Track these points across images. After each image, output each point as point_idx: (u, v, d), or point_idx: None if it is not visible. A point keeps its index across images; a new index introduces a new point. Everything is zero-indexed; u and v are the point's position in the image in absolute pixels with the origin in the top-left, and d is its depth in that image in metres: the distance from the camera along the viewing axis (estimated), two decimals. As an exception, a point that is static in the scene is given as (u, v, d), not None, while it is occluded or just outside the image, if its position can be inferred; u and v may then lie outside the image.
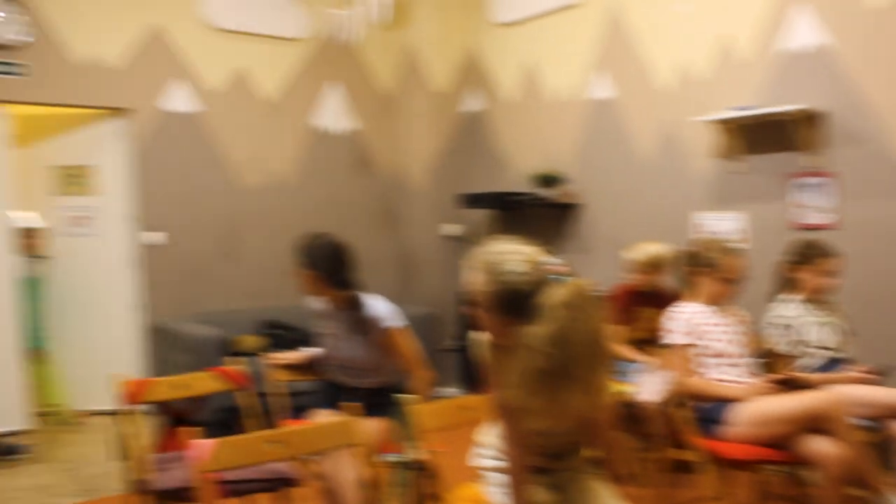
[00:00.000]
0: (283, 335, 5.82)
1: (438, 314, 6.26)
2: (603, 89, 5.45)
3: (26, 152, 5.94)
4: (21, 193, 5.82)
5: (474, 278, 1.91)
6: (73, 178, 5.85)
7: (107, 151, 5.80)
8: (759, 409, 2.99)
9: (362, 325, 3.23)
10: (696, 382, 3.18)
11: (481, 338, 2.02)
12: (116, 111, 5.72)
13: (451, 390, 6.10)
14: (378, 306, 3.28)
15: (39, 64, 5.34)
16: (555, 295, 1.79)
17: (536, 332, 1.78)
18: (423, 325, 5.38)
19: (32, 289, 5.52)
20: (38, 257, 5.58)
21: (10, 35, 5.21)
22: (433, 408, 2.49)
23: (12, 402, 5.32)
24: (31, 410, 5.46)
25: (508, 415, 2.01)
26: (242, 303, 6.11)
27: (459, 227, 6.45)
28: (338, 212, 6.51)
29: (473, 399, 2.59)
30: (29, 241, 5.51)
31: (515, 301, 1.84)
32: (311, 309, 3.45)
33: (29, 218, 5.58)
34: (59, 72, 5.42)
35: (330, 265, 3.25)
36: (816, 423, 2.87)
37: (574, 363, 1.79)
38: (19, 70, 5.27)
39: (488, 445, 2.24)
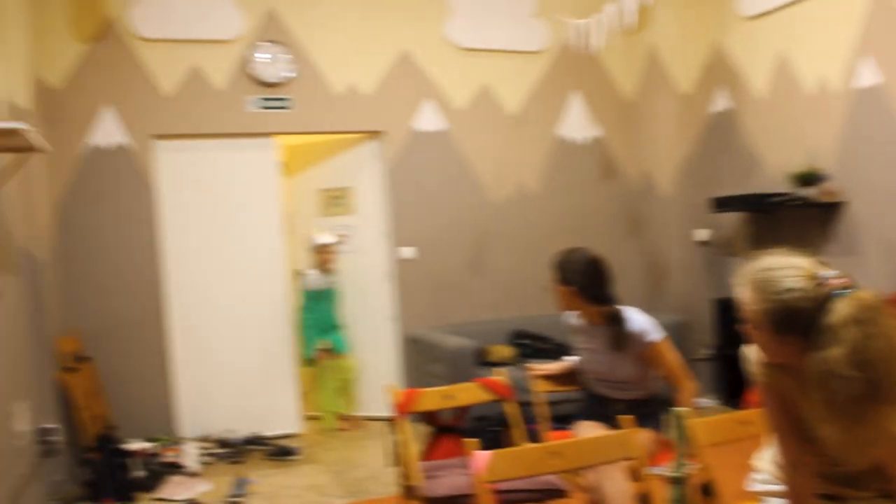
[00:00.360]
0: (533, 345, 5.89)
1: (689, 322, 6.05)
2: (868, 76, 5.00)
3: (295, 178, 6.49)
4: (294, 216, 6.39)
5: (745, 295, 1.81)
6: (336, 200, 6.29)
7: (363, 173, 6.19)
8: None
9: (622, 339, 3.16)
10: None
11: (752, 354, 1.92)
12: (371, 134, 6.09)
13: (708, 401, 5.87)
14: (638, 320, 3.20)
15: (302, 96, 5.82)
16: (840, 312, 1.66)
17: (831, 355, 1.65)
18: (673, 334, 5.16)
19: (321, 301, 5.99)
20: (329, 271, 6.02)
21: (278, 73, 5.72)
22: (708, 422, 2.40)
23: (288, 407, 5.82)
24: (303, 415, 5.94)
25: (790, 439, 1.89)
26: (489, 313, 6.26)
27: (710, 232, 6.20)
28: (583, 221, 6.50)
29: (750, 414, 2.47)
30: (323, 256, 5.96)
31: (793, 320, 1.73)
32: (567, 323, 3.43)
33: (324, 235, 6.03)
34: (319, 102, 5.85)
35: (586, 280, 3.20)
36: None
37: (881, 383, 1.65)
38: (286, 104, 5.76)
39: (766, 470, 2.12)
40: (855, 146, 5.12)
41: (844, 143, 5.19)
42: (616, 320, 3.17)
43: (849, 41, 5.08)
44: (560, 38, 6.32)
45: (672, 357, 3.19)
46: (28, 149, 3.79)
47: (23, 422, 4.13)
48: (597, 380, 3.30)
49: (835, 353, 1.65)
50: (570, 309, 3.30)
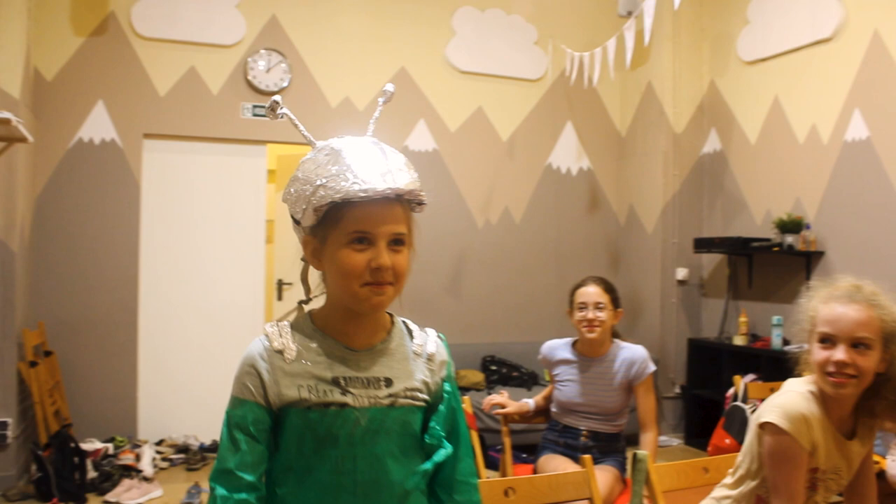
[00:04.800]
0: (503, 372, 5.86)
1: (661, 360, 6.04)
2: (857, 129, 5.03)
3: (281, 187, 6.47)
4: (276, 224, 6.35)
5: (861, 314, 1.88)
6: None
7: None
8: None
9: (616, 370, 3.17)
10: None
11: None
12: (362, 150, 6.06)
13: (672, 441, 5.87)
14: (638, 351, 3.21)
15: (297, 107, 5.78)
16: None
17: None
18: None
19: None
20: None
21: (274, 82, 5.71)
22: (670, 467, 2.38)
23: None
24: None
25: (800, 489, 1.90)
26: (462, 337, 6.19)
27: (689, 272, 6.21)
28: (565, 251, 6.52)
29: (713, 461, 2.46)
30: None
31: None
32: (548, 356, 3.36)
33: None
34: (313, 113, 5.82)
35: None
36: None
37: None
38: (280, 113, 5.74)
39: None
40: (837, 197, 5.16)
41: (827, 194, 5.22)
42: (622, 348, 3.20)
43: (840, 94, 5.13)
44: (558, 67, 6.36)
45: (651, 395, 3.19)
46: (12, 138, 3.77)
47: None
48: (573, 411, 3.22)
49: None
50: (602, 335, 3.23)
